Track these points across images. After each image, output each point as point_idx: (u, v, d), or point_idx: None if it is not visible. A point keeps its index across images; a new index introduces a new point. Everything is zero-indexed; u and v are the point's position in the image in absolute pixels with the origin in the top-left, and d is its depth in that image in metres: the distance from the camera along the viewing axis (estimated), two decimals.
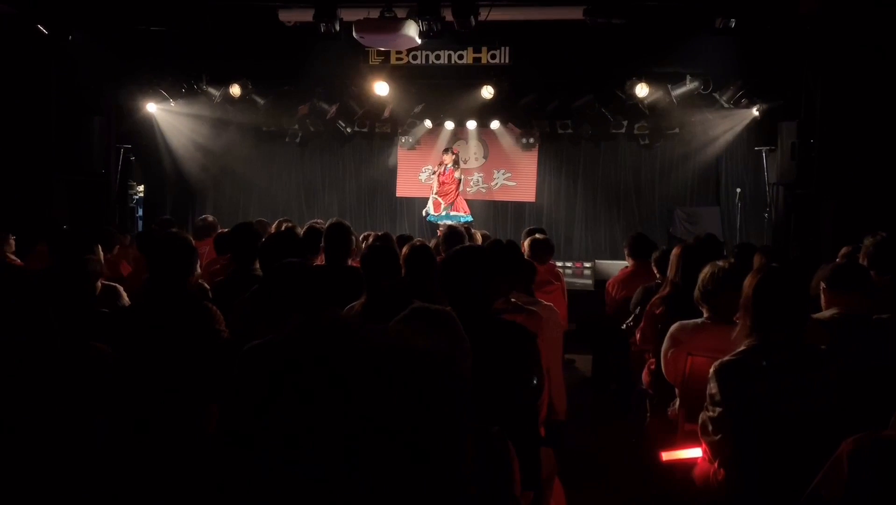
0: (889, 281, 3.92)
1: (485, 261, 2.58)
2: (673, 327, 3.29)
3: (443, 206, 10.83)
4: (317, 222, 6.58)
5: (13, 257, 5.42)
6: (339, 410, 0.90)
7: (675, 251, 4.16)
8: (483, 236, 6.75)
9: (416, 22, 7.08)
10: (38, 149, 8.24)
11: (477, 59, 9.00)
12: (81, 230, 6.14)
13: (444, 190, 10.88)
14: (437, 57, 9.03)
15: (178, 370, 2.94)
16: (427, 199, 11.19)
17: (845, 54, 7.19)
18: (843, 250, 4.85)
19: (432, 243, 6.17)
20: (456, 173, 10.90)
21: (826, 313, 3.20)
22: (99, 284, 3.80)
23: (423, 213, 11.03)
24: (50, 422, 2.03)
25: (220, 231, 6.44)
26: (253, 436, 2.28)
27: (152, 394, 2.81)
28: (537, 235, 5.83)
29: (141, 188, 10.58)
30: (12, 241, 5.55)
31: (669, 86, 9.15)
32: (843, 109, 7.34)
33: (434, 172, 11.02)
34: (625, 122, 10.53)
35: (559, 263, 8.56)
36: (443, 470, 0.89)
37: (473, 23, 7.11)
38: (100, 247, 4.72)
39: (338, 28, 7.34)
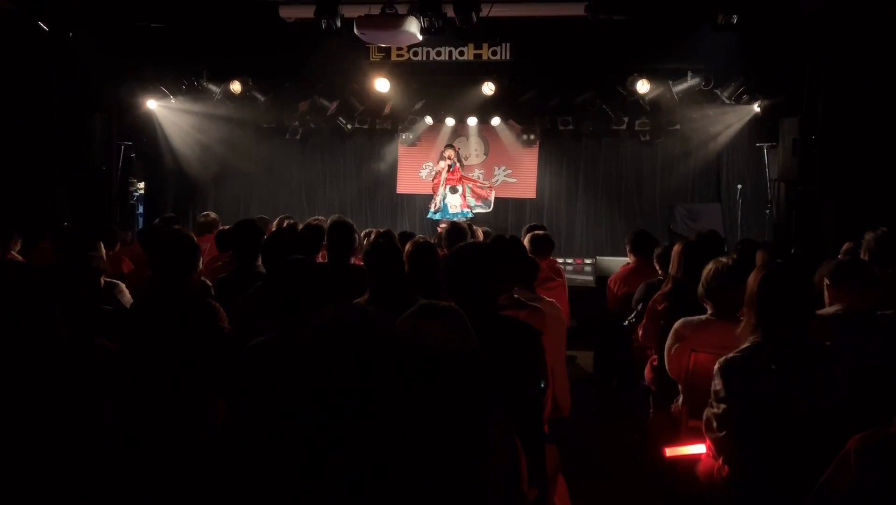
0: (891, 275, 3.92)
1: (489, 257, 2.58)
2: (677, 324, 3.29)
3: (475, 203, 10.86)
4: (316, 219, 6.58)
5: (16, 255, 5.42)
6: (353, 410, 0.90)
7: (676, 248, 4.16)
8: (484, 233, 6.75)
9: (417, 18, 7.07)
10: (39, 146, 8.24)
11: (478, 56, 9.00)
12: (84, 227, 6.14)
13: (478, 192, 10.96)
14: (438, 53, 9.03)
15: (182, 368, 2.94)
16: (428, 196, 11.18)
17: (847, 51, 7.17)
18: (846, 246, 4.85)
19: (434, 239, 6.17)
20: (462, 170, 10.93)
21: (830, 309, 3.20)
22: (101, 280, 3.80)
23: (434, 209, 11.02)
24: (56, 419, 2.03)
25: (221, 228, 6.44)
26: (258, 433, 2.28)
27: (157, 392, 2.81)
28: (537, 232, 5.82)
29: (142, 185, 10.58)
30: (19, 241, 5.56)
31: (671, 82, 9.14)
32: (845, 106, 7.32)
33: (440, 170, 10.98)
34: (626, 119, 10.52)
35: (560, 260, 8.55)
36: (469, 466, 0.89)
37: (474, 19, 7.10)
38: (102, 244, 4.73)
39: (339, 24, 7.33)
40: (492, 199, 11.00)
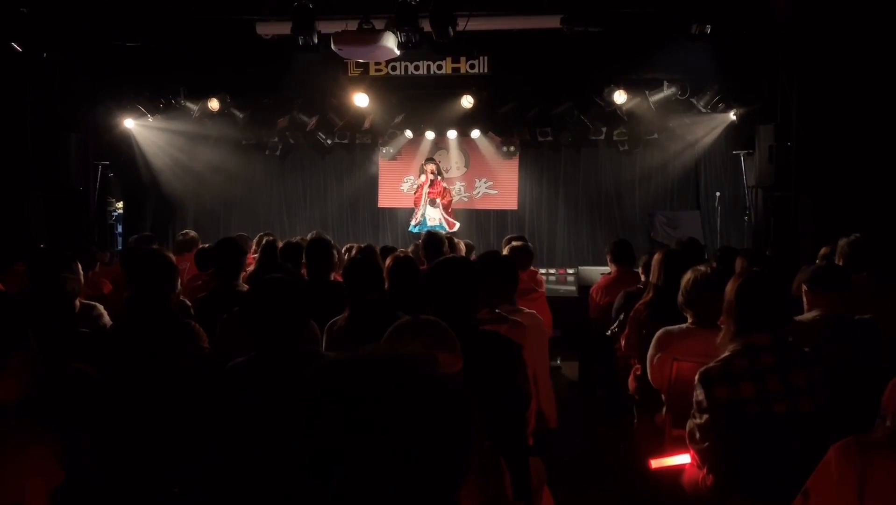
0: (865, 279, 3.97)
1: (468, 272, 2.58)
2: (658, 333, 3.30)
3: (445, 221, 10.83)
4: (298, 238, 6.54)
5: None
6: (329, 432, 0.89)
7: (657, 256, 4.18)
8: (467, 246, 6.74)
9: (395, 33, 7.08)
10: (15, 167, 8.13)
11: (456, 69, 9.04)
12: (59, 248, 6.05)
13: (446, 204, 10.92)
14: (416, 67, 9.06)
15: (162, 389, 2.90)
16: (410, 209, 11.17)
17: (819, 58, 7.28)
18: (823, 251, 4.90)
19: (411, 249, 6.15)
20: (443, 183, 10.94)
21: (808, 315, 3.22)
22: (77, 302, 3.74)
23: (414, 222, 11.00)
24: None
25: (201, 246, 6.38)
26: (238, 455, 2.25)
27: (136, 414, 2.77)
28: (514, 242, 5.81)
29: (120, 205, 10.49)
30: None
31: (647, 92, 9.21)
32: (819, 112, 7.43)
33: (422, 184, 10.96)
34: (604, 129, 10.59)
35: (542, 270, 8.57)
36: (442, 490, 0.87)
37: (452, 33, 7.11)
38: (79, 265, 4.66)
39: (316, 40, 7.32)
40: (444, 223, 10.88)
